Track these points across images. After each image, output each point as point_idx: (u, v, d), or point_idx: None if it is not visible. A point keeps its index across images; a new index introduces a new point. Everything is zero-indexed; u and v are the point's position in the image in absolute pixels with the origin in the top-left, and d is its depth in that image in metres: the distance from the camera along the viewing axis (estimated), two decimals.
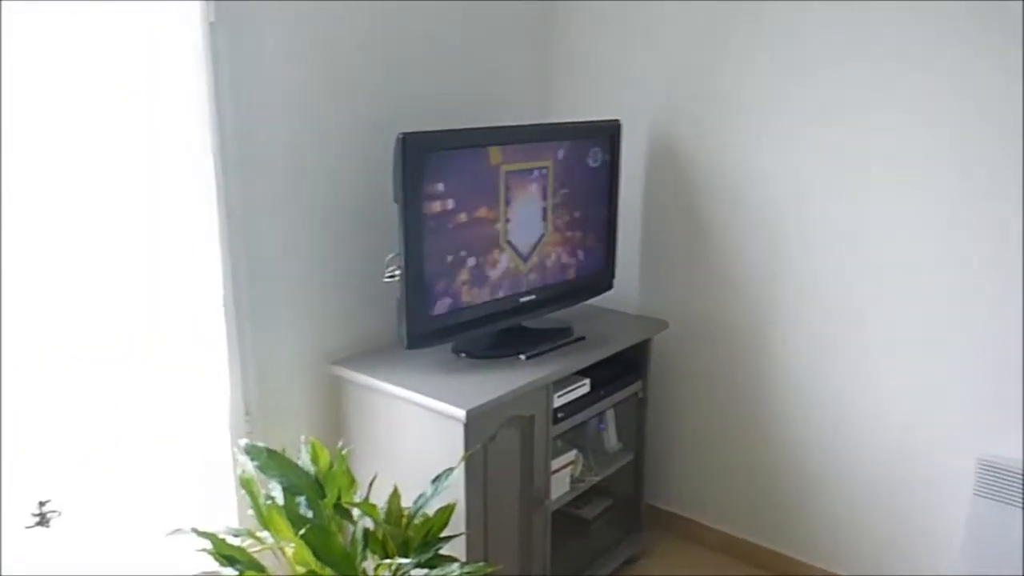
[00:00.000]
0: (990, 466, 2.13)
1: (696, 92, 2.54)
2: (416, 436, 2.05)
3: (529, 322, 2.38)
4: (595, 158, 2.43)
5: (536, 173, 2.27)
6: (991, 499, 2.12)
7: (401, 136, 1.90)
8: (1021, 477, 2.07)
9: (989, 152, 2.07)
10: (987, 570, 2.16)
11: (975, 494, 2.16)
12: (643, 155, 2.68)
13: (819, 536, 2.59)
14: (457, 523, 1.94)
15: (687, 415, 2.80)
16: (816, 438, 2.53)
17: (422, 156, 1.95)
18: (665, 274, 2.75)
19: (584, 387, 2.34)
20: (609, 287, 2.58)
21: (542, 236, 2.33)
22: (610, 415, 2.62)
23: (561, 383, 2.25)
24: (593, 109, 2.72)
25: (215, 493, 2.06)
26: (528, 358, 2.22)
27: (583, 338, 2.39)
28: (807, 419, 2.53)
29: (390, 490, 1.82)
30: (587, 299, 2.55)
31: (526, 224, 2.27)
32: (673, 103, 2.59)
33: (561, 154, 2.32)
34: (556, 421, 2.24)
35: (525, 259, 2.29)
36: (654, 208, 2.72)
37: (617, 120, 2.48)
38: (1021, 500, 2.08)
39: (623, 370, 2.51)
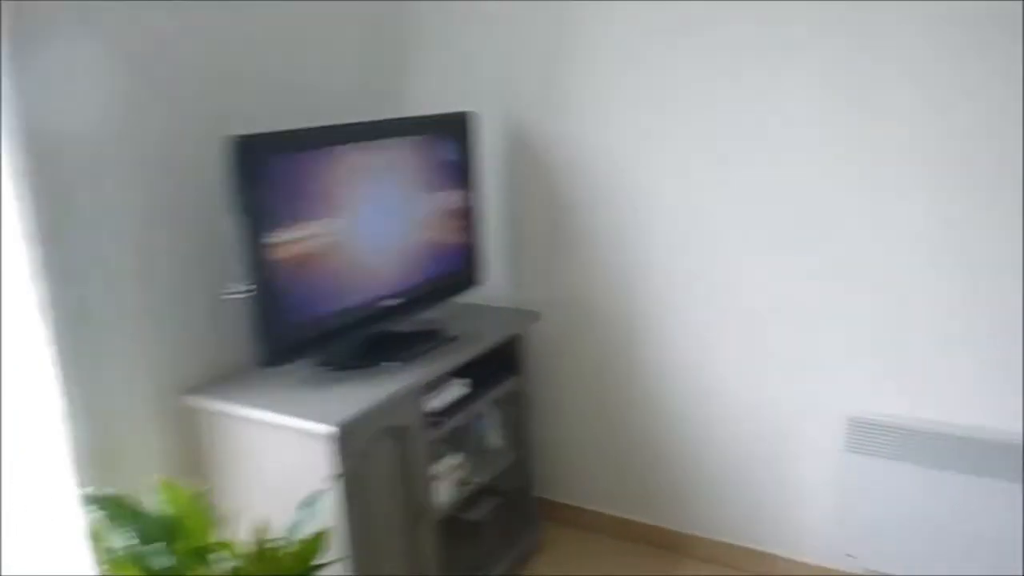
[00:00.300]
0: (858, 422, 2.23)
1: (551, 80, 2.50)
2: (284, 461, 1.91)
3: (397, 326, 2.28)
4: (449, 151, 2.35)
5: (388, 170, 2.17)
6: (861, 454, 2.23)
7: (234, 139, 1.76)
8: (887, 430, 2.19)
9: (850, 120, 2.14)
10: (860, 517, 2.26)
11: (846, 450, 2.25)
12: (503, 146, 2.63)
13: (707, 508, 2.62)
14: (339, 546, 1.83)
15: (570, 405, 2.78)
16: (695, 415, 2.55)
17: (260, 160, 1.81)
18: (534, 265, 2.70)
19: (459, 388, 2.26)
20: (476, 282, 2.51)
21: (400, 236, 2.23)
22: (492, 413, 2.56)
23: (434, 386, 2.16)
24: (452, 101, 2.61)
25: (66, 549, 1.85)
26: (398, 364, 2.12)
27: (455, 338, 2.31)
28: (684, 396, 2.55)
29: (262, 523, 1.69)
30: (453, 296, 2.46)
31: (381, 225, 2.16)
32: (531, 92, 2.54)
33: (413, 149, 2.23)
34: (433, 426, 2.16)
35: (384, 262, 2.19)
36: (518, 199, 2.67)
37: (468, 112, 2.40)
38: (888, 451, 2.19)
39: (499, 366, 2.45)
